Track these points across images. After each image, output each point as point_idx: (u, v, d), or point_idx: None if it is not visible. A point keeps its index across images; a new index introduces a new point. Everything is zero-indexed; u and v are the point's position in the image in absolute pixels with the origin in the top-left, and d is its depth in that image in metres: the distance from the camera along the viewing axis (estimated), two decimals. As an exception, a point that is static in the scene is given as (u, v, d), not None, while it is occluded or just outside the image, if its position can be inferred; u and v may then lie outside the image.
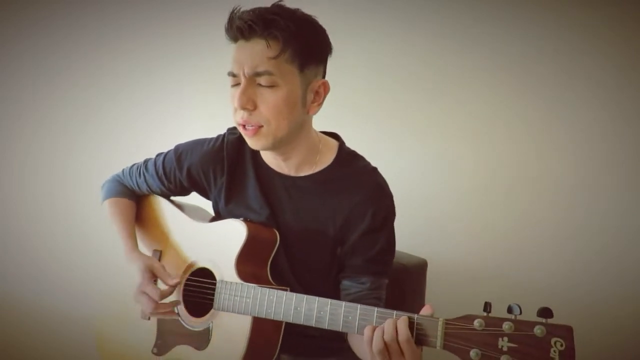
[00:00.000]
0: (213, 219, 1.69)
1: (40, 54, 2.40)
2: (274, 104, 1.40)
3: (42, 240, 2.47)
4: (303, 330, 1.44)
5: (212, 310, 1.51)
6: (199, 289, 1.56)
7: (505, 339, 1.08)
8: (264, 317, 1.40)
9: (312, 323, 1.33)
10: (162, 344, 1.59)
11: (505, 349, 1.07)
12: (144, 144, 2.34)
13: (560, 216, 2.28)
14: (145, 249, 1.71)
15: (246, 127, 1.44)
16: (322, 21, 1.47)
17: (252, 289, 1.43)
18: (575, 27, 2.20)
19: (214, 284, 1.51)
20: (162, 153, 1.73)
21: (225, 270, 1.50)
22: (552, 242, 2.30)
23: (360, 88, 2.32)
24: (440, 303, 1.23)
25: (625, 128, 2.21)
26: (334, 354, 1.66)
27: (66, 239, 2.45)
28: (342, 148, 1.61)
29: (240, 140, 1.58)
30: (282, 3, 1.44)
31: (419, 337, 1.17)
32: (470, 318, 1.12)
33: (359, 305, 1.27)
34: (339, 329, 1.29)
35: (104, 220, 1.72)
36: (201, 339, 1.51)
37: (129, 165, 1.80)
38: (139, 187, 1.76)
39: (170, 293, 1.53)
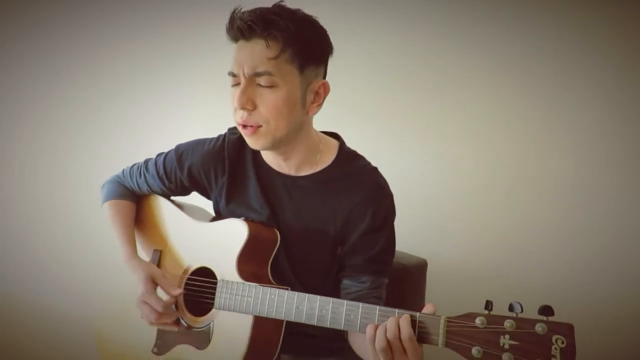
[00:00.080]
0: (213, 219, 1.69)
1: (40, 54, 2.40)
2: (274, 104, 1.40)
3: (42, 240, 2.47)
4: (303, 330, 1.44)
5: (212, 310, 1.51)
6: (200, 288, 1.56)
7: (507, 336, 1.08)
8: (265, 316, 1.40)
9: (314, 322, 1.33)
10: (163, 343, 1.59)
11: (506, 346, 1.08)
12: (144, 144, 2.34)
13: (560, 216, 2.28)
14: (145, 248, 1.71)
15: (245, 126, 1.45)
16: (322, 21, 1.47)
17: (254, 288, 1.43)
18: (575, 27, 2.20)
19: (215, 283, 1.51)
20: (162, 153, 1.73)
21: (226, 269, 1.50)
22: (552, 242, 2.30)
23: (360, 88, 2.32)
24: (440, 303, 1.23)
25: (625, 128, 2.21)
26: (334, 354, 1.66)
27: (66, 239, 2.45)
28: (343, 148, 1.61)
29: (241, 140, 1.58)
30: (282, 3, 1.44)
31: (421, 335, 1.18)
32: (472, 316, 1.13)
33: (360, 304, 1.27)
34: (341, 327, 1.29)
35: (104, 222, 1.72)
36: (202, 339, 1.51)
37: (129, 165, 1.80)
38: (139, 188, 1.76)
39: (173, 302, 1.54)
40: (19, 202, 2.46)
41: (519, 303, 1.08)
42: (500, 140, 2.30)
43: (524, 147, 2.28)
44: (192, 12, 2.34)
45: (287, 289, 1.41)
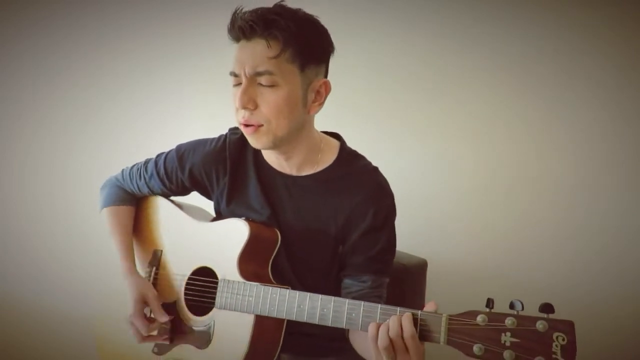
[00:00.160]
0: (214, 219, 1.69)
1: (40, 54, 2.40)
2: (275, 104, 1.41)
3: (42, 240, 2.46)
4: (303, 330, 1.44)
5: (213, 309, 1.51)
6: (201, 288, 1.56)
7: (508, 334, 1.08)
8: (266, 315, 1.40)
9: (315, 320, 1.33)
10: (163, 343, 1.58)
11: (508, 343, 1.08)
12: (144, 144, 2.35)
13: (560, 216, 2.29)
14: (146, 249, 1.71)
15: (247, 125, 1.45)
16: (323, 21, 1.47)
17: (255, 287, 1.42)
18: (575, 27, 2.20)
19: (216, 283, 1.50)
20: (162, 153, 1.72)
21: (227, 269, 1.49)
22: (552, 242, 2.30)
23: (360, 88, 2.32)
24: (440, 303, 1.23)
25: (625, 128, 2.22)
26: (334, 354, 1.66)
27: (66, 239, 2.45)
28: (344, 148, 1.61)
29: (242, 140, 1.58)
30: (283, 3, 1.44)
31: (422, 333, 1.18)
32: (473, 314, 1.13)
33: (362, 302, 1.27)
34: (343, 326, 1.29)
35: (103, 228, 1.72)
36: (202, 338, 1.51)
37: (129, 165, 1.80)
38: (139, 190, 1.76)
39: (157, 328, 1.55)
40: (19, 202, 2.46)
41: (520, 301, 1.09)
42: (500, 140, 2.30)
43: (524, 147, 2.29)
44: (192, 12, 2.35)
45: (288, 289, 1.41)
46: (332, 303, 1.31)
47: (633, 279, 2.27)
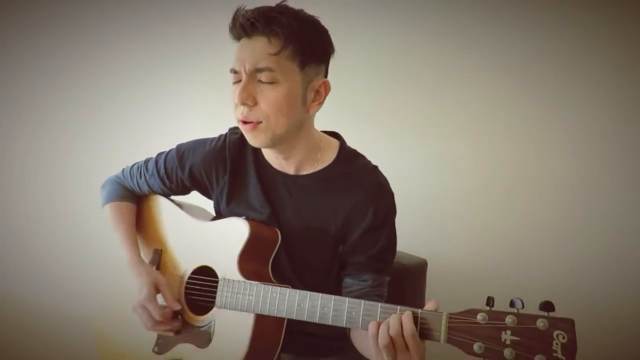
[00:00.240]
0: (214, 218, 1.69)
1: (40, 54, 2.40)
2: (274, 100, 1.41)
3: (42, 240, 2.46)
4: (304, 329, 1.44)
5: (214, 309, 1.51)
6: (201, 287, 1.56)
7: (508, 332, 1.08)
8: (267, 314, 1.40)
9: (316, 319, 1.33)
10: (164, 343, 1.58)
11: (508, 342, 1.08)
12: (144, 144, 2.34)
13: (560, 216, 2.29)
14: (146, 248, 1.71)
15: (246, 122, 1.45)
16: (323, 21, 1.48)
17: (255, 286, 1.43)
18: (575, 27, 2.21)
19: (216, 282, 1.50)
20: (163, 152, 1.73)
21: (227, 268, 1.49)
22: (552, 242, 2.30)
23: (360, 88, 2.32)
24: (440, 303, 1.23)
25: (625, 128, 2.22)
26: (334, 353, 1.66)
27: (66, 239, 2.44)
28: (343, 147, 1.61)
29: (242, 139, 1.58)
30: (285, 3, 1.45)
31: (423, 331, 1.18)
32: (473, 312, 1.13)
33: (362, 301, 1.27)
34: (343, 324, 1.29)
35: (105, 224, 1.72)
36: (203, 338, 1.51)
37: (129, 164, 1.80)
38: (139, 188, 1.76)
39: (170, 314, 1.54)
40: (19, 202, 2.46)
41: (520, 299, 1.09)
42: (500, 140, 2.30)
43: (524, 147, 2.29)
44: (192, 12, 2.35)
45: (288, 288, 1.41)
46: (332, 302, 1.31)
47: (633, 279, 2.27)
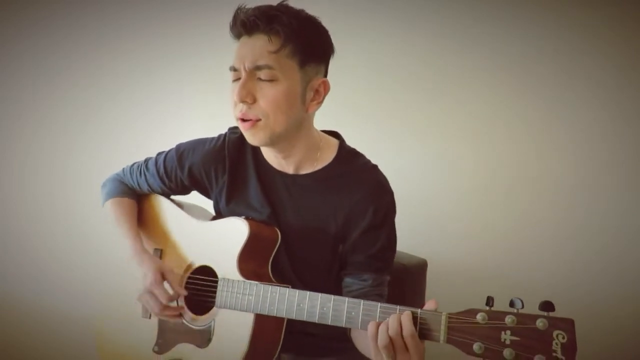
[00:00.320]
0: (214, 218, 1.69)
1: (40, 54, 2.40)
2: (273, 98, 1.41)
3: (42, 240, 2.46)
4: (304, 329, 1.45)
5: (214, 308, 1.51)
6: (201, 287, 1.56)
7: (508, 332, 1.08)
8: (266, 314, 1.40)
9: (315, 319, 1.33)
10: (164, 342, 1.58)
11: (508, 342, 1.08)
12: (144, 144, 2.34)
13: (560, 216, 2.29)
14: (146, 248, 1.70)
15: (244, 120, 1.45)
16: (323, 21, 1.48)
17: (255, 286, 1.42)
18: (575, 27, 2.21)
19: (216, 282, 1.50)
20: (162, 152, 1.73)
21: (227, 268, 1.49)
22: (552, 242, 2.30)
23: (360, 88, 2.32)
24: (440, 303, 1.23)
25: (625, 128, 2.22)
26: (334, 353, 1.66)
27: (66, 239, 2.45)
28: (343, 146, 1.61)
29: (242, 139, 1.58)
30: (286, 2, 1.46)
31: (422, 331, 1.18)
32: (473, 312, 1.12)
33: (362, 301, 1.27)
34: (342, 324, 1.29)
35: (107, 220, 1.72)
36: (203, 337, 1.51)
37: (130, 164, 1.80)
38: (139, 187, 1.76)
39: (177, 297, 1.54)
40: (19, 202, 2.46)
41: (520, 299, 1.08)
42: (500, 140, 2.30)
43: (524, 147, 2.29)
44: (192, 12, 2.35)
45: (287, 287, 1.41)
46: (332, 302, 1.31)
47: (633, 279, 2.27)
